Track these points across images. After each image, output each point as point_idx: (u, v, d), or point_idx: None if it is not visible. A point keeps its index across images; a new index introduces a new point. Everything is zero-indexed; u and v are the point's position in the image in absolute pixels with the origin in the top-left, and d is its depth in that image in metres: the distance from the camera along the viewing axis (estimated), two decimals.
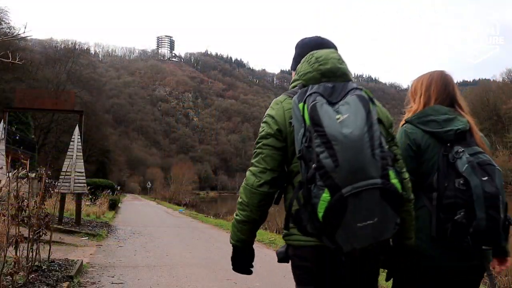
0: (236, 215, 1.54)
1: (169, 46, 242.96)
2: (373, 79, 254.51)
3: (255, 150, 1.52)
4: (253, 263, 1.64)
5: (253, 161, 1.51)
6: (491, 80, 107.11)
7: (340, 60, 1.54)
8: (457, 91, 1.89)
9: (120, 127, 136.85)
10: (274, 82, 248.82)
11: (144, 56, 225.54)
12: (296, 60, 1.69)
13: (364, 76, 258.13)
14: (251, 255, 1.62)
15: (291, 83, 1.61)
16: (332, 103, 1.33)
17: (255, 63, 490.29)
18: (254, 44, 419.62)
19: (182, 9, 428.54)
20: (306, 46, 1.67)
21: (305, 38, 1.74)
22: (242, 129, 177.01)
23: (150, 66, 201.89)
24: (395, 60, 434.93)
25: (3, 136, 9.76)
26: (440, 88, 1.87)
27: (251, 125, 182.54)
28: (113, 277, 5.08)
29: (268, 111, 1.54)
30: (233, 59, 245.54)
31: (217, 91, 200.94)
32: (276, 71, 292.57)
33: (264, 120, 1.53)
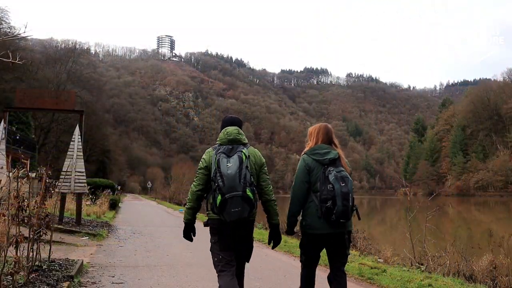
0: (186, 205, 3.21)
1: (169, 46, 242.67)
2: (373, 79, 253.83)
3: (196, 175, 3.15)
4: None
5: (194, 179, 3.15)
6: (492, 79, 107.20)
7: (238, 133, 3.16)
8: (334, 135, 3.40)
9: (121, 127, 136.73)
10: (275, 82, 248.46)
11: (144, 56, 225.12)
12: (221, 129, 3.28)
13: (364, 76, 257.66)
14: (193, 230, 3.25)
15: (217, 141, 3.18)
16: (229, 156, 2.95)
17: (256, 63, 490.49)
18: (254, 44, 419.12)
19: (182, 9, 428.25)
20: (225, 122, 3.30)
21: (226, 116, 3.41)
22: (243, 129, 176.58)
23: (151, 65, 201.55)
24: (395, 60, 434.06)
25: (3, 136, 9.76)
26: (325, 133, 3.37)
27: (252, 125, 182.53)
28: (114, 277, 5.08)
29: (203, 156, 3.16)
30: (233, 59, 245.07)
31: (217, 91, 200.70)
32: (277, 70, 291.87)
33: (201, 160, 3.15)
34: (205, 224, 3.13)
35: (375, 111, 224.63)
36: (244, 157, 2.94)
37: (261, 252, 7.75)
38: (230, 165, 2.88)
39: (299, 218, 3.34)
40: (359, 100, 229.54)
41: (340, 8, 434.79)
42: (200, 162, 3.14)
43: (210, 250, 3.16)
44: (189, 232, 3.23)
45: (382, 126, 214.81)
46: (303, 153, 3.36)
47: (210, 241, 3.15)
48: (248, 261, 3.27)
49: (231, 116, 3.37)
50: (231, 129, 3.16)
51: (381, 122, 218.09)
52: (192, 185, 3.13)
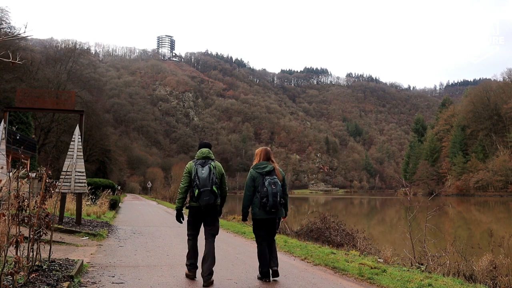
0: (178, 197, 5.16)
1: (169, 46, 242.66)
2: (373, 79, 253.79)
3: (182, 177, 5.12)
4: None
5: (182, 180, 5.13)
6: (492, 80, 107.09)
7: (209, 152, 5.16)
8: (271, 155, 5.34)
9: (121, 126, 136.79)
10: (275, 82, 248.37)
11: (144, 56, 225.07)
12: (198, 149, 5.30)
13: (364, 76, 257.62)
14: (182, 215, 5.18)
15: (195, 157, 5.21)
16: (203, 166, 5.01)
17: (256, 63, 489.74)
18: (254, 44, 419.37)
19: (182, 9, 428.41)
20: (200, 145, 5.30)
21: (201, 141, 5.36)
22: (243, 129, 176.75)
23: (151, 65, 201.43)
24: (395, 60, 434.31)
25: (3, 136, 9.76)
26: (264, 154, 5.32)
27: (252, 124, 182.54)
28: (114, 276, 5.08)
29: (186, 166, 5.19)
30: (233, 59, 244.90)
31: (217, 91, 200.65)
32: (277, 70, 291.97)
33: (185, 168, 5.16)
34: (186, 207, 5.08)
35: (375, 111, 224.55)
36: (212, 167, 4.95)
37: None
38: (203, 172, 4.89)
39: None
40: (359, 100, 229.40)
41: (340, 8, 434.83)
42: (185, 169, 5.11)
43: (187, 223, 5.17)
44: (179, 217, 5.14)
45: (382, 126, 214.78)
46: (251, 167, 5.27)
47: (187, 219, 5.15)
48: (216, 234, 5.15)
49: (205, 142, 5.35)
50: (204, 149, 5.15)
51: (381, 122, 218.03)
52: (180, 183, 5.12)
